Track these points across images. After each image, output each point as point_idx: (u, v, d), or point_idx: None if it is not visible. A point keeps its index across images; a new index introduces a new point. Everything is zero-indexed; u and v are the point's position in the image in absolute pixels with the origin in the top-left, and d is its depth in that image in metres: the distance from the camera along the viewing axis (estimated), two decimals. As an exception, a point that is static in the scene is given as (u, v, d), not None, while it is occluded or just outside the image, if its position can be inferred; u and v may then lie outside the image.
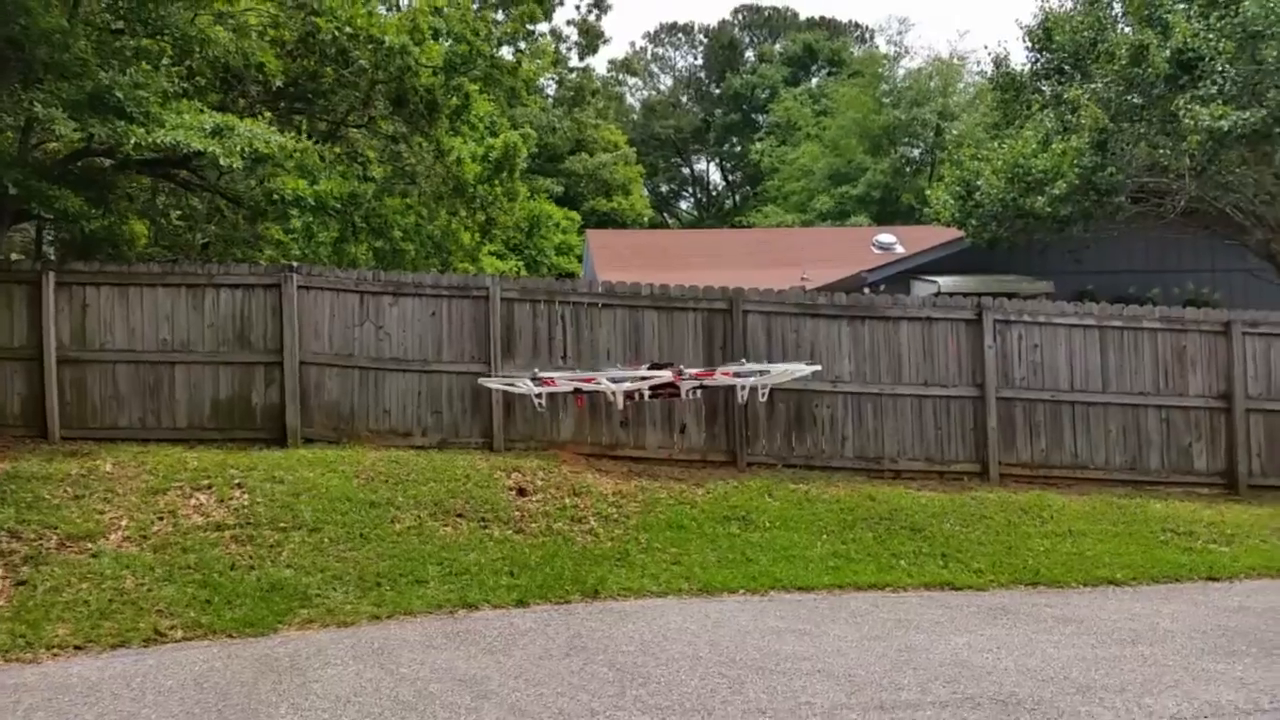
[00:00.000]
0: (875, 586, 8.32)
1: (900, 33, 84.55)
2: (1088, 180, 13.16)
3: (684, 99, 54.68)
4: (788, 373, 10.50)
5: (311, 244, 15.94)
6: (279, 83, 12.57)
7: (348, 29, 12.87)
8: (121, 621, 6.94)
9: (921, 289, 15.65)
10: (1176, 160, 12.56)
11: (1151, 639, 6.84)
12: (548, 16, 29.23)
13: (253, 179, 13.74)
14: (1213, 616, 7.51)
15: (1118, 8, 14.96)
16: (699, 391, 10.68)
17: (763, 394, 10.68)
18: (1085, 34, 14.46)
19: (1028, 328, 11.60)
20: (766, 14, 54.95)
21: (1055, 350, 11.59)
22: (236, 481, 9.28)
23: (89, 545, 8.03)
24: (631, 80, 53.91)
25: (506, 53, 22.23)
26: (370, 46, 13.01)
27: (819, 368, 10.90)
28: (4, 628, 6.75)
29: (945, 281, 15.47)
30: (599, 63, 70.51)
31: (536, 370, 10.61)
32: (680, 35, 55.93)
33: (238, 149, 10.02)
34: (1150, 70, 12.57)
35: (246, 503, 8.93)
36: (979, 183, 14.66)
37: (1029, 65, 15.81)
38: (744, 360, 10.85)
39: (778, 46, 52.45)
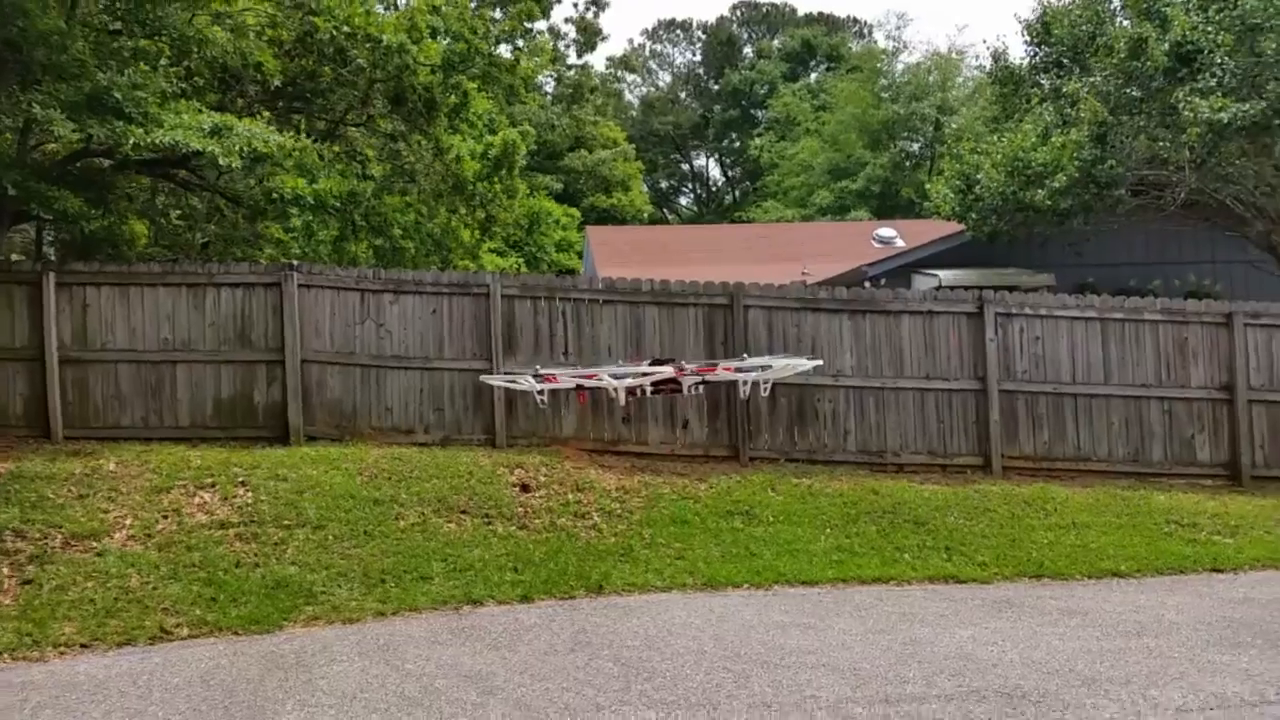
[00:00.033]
0: (879, 580, 8.34)
1: (899, 28, 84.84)
2: (1087, 173, 13.15)
3: (683, 95, 54.63)
4: (789, 367, 10.54)
5: (311, 242, 15.94)
6: (277, 82, 12.56)
7: (345, 28, 12.87)
8: (127, 620, 6.96)
9: (922, 283, 15.64)
10: (1176, 153, 12.56)
11: (1156, 631, 6.85)
12: (546, 14, 29.25)
13: (252, 178, 13.72)
14: (1217, 608, 7.52)
15: (1116, 1, 14.94)
16: (701, 387, 10.71)
17: (765, 389, 10.70)
18: (1084, 27, 14.45)
19: (1029, 320, 11.59)
20: (764, 10, 54.90)
21: (1057, 343, 11.59)
22: (240, 480, 9.28)
23: (94, 544, 8.05)
24: (630, 77, 53.88)
25: (505, 50, 22.17)
26: (368, 45, 13.00)
27: (820, 362, 10.92)
28: (11, 626, 6.77)
29: (946, 275, 15.46)
30: (597, 60, 70.42)
31: (538, 367, 10.63)
32: (678, 32, 55.91)
33: (236, 148, 10.03)
34: (1149, 63, 12.55)
35: (250, 501, 8.94)
36: (979, 176, 14.64)
37: (1028, 59, 15.79)
38: (745, 355, 10.87)
39: (776, 42, 52.41)
